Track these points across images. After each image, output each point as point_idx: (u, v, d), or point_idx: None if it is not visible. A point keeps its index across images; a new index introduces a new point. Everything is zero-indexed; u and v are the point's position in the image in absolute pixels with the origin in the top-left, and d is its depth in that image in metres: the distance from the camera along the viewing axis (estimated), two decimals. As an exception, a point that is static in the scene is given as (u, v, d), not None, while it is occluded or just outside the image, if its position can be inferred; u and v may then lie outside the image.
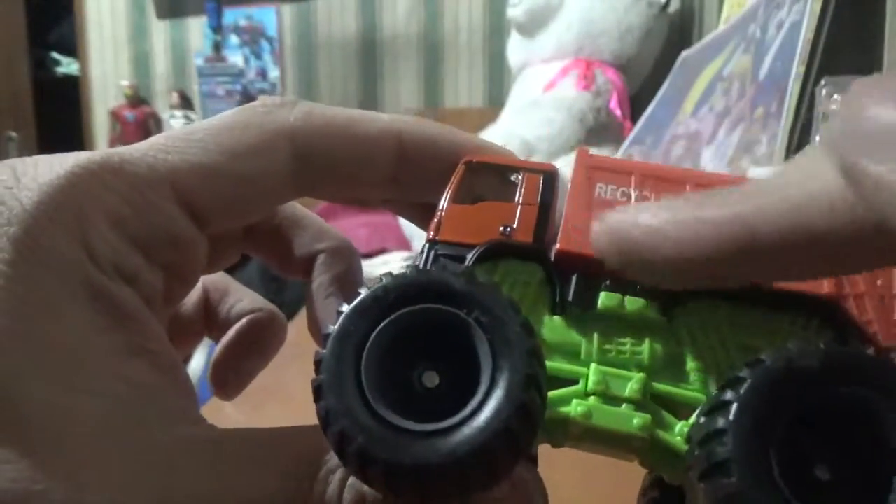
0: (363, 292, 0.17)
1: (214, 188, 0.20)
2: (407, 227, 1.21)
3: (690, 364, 0.19)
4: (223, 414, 0.51)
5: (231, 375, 0.27)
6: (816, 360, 0.16)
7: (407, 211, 0.25)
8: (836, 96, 0.55)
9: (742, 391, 0.16)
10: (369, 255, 1.13)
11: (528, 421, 0.16)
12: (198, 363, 1.03)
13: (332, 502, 0.17)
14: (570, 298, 0.20)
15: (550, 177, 0.21)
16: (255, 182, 0.21)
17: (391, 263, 1.10)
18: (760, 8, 0.88)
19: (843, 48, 0.66)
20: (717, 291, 0.19)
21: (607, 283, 0.20)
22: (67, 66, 2.85)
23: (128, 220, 0.19)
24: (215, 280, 0.28)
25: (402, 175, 0.23)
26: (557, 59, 1.46)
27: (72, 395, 0.17)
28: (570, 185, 0.21)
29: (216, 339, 0.28)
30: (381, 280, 0.17)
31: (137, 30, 2.56)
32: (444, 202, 0.21)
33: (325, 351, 0.16)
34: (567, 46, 1.45)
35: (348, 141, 0.22)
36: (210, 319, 0.28)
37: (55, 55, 2.89)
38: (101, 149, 0.38)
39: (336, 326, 0.17)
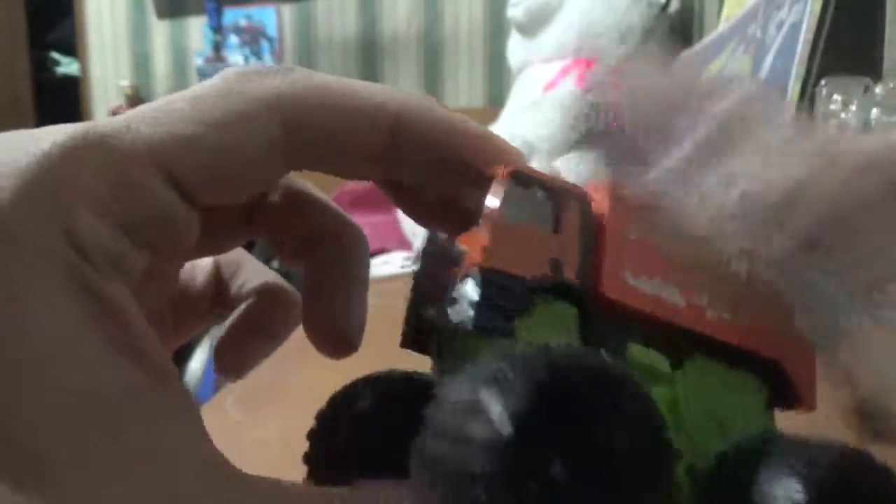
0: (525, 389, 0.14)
1: (196, 159, 0.19)
2: (407, 227, 1.21)
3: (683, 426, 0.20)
4: (222, 413, 0.51)
5: (236, 355, 0.26)
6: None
7: (399, 194, 0.24)
8: (836, 96, 0.55)
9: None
10: (370, 255, 1.13)
11: None
12: (198, 362, 1.03)
13: None
14: (601, 346, 0.19)
15: (588, 207, 0.20)
16: (237, 152, 0.19)
17: (391, 263, 1.10)
18: (760, 8, 0.88)
19: (843, 48, 0.66)
20: (706, 349, 0.20)
21: (638, 330, 0.20)
22: (67, 66, 2.85)
23: (110, 200, 0.18)
24: (228, 255, 0.26)
25: (396, 154, 0.22)
26: (557, 58, 1.46)
27: (51, 393, 0.16)
28: (606, 224, 0.20)
29: (226, 318, 0.26)
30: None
31: (137, 30, 2.56)
32: (487, 219, 0.19)
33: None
34: (567, 46, 1.45)
35: (338, 112, 0.21)
36: (220, 296, 0.26)
37: (55, 55, 2.89)
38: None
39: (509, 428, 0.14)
